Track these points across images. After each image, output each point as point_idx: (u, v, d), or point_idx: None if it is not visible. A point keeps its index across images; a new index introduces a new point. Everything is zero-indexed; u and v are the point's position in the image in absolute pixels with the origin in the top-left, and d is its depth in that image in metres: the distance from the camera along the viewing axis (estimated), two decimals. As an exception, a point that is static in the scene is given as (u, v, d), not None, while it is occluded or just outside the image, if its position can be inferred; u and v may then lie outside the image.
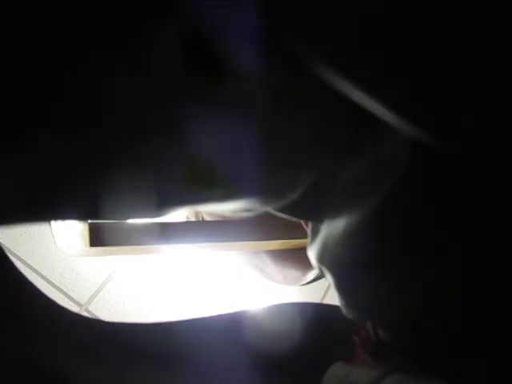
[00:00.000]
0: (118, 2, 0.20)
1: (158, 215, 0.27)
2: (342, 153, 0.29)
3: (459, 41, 0.17)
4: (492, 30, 0.16)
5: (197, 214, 0.83)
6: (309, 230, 0.37)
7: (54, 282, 0.92)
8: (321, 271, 0.36)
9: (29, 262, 0.92)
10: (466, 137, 0.20)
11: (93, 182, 0.24)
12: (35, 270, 0.92)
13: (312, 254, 0.37)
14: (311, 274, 0.79)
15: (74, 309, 0.92)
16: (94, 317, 0.91)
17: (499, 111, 0.18)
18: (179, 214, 0.80)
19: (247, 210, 0.30)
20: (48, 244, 0.92)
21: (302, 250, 0.40)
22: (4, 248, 0.34)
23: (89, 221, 0.65)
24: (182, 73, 0.22)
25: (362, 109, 0.20)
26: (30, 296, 0.34)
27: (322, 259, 0.35)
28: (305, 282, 0.82)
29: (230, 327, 0.39)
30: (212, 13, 0.21)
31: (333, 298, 0.37)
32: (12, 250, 0.91)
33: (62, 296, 0.92)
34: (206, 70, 0.22)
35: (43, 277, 0.92)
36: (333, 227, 0.33)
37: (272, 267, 0.86)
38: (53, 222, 0.67)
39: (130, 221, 0.67)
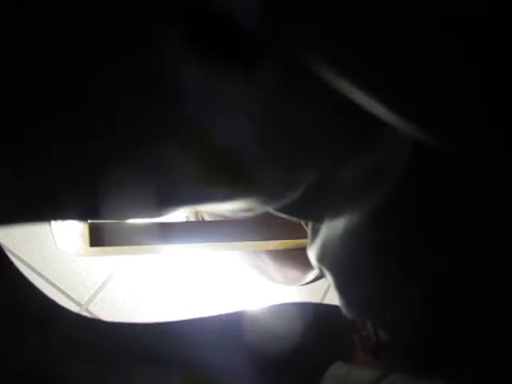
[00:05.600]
0: (120, 3, 0.20)
1: (158, 215, 0.27)
2: (342, 153, 0.29)
3: (459, 42, 0.17)
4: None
5: (197, 213, 0.83)
6: (309, 230, 0.37)
7: (54, 282, 0.92)
8: (321, 271, 0.36)
9: (29, 262, 0.92)
10: (466, 137, 0.20)
11: (93, 182, 0.24)
12: (35, 270, 0.92)
13: (312, 254, 0.37)
14: (311, 274, 0.79)
15: (74, 309, 0.92)
16: (94, 317, 0.91)
17: (500, 111, 0.18)
18: (179, 214, 0.80)
19: (247, 210, 0.30)
20: (48, 244, 0.92)
21: (302, 250, 0.40)
22: (4, 248, 0.34)
23: (89, 221, 0.65)
24: (182, 74, 0.22)
25: (362, 109, 0.20)
26: (30, 296, 0.34)
27: (322, 259, 0.35)
28: (305, 282, 0.82)
29: (229, 327, 0.39)
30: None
31: (333, 298, 0.37)
32: (12, 250, 0.91)
33: (62, 296, 0.92)
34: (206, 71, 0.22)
35: (43, 277, 0.92)
36: (333, 227, 0.33)
37: (272, 267, 0.86)
38: (53, 222, 0.67)
39: (130, 221, 0.67)
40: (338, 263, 0.34)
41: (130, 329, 0.37)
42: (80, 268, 0.94)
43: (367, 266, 0.32)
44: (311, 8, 0.18)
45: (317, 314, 0.42)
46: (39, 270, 0.92)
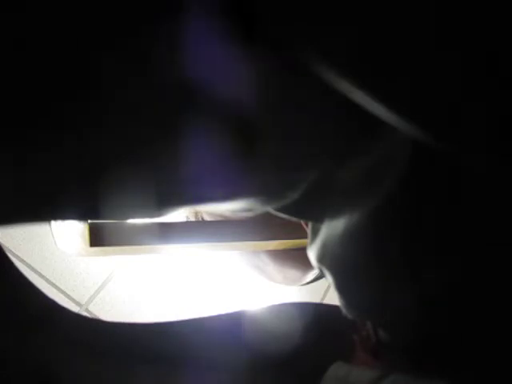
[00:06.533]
0: (121, 4, 0.20)
1: (158, 215, 0.27)
2: (342, 153, 0.29)
3: (458, 42, 0.17)
4: (491, 31, 0.16)
5: (197, 213, 0.83)
6: (309, 230, 0.37)
7: (54, 281, 0.92)
8: (321, 271, 0.36)
9: (29, 262, 0.92)
10: (466, 137, 0.20)
11: (93, 182, 0.24)
12: (35, 270, 0.92)
13: (312, 254, 0.37)
14: (311, 274, 0.79)
15: (74, 309, 0.92)
16: (94, 317, 0.91)
17: (500, 111, 0.18)
18: (179, 214, 0.80)
19: (247, 210, 0.30)
20: (48, 244, 0.92)
21: (302, 250, 0.40)
22: (4, 248, 0.34)
23: (89, 221, 0.65)
24: (182, 73, 0.22)
25: (362, 109, 0.20)
26: (30, 296, 0.34)
27: (322, 259, 0.35)
28: (305, 282, 0.82)
29: (230, 327, 0.39)
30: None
31: (333, 298, 0.37)
32: (12, 250, 0.91)
33: (62, 296, 0.92)
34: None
35: (43, 277, 0.92)
36: (333, 227, 0.33)
37: (272, 267, 0.86)
38: (53, 222, 0.67)
39: (130, 221, 0.67)
40: (338, 263, 0.34)
41: (130, 329, 0.37)
42: (80, 268, 0.94)
43: (367, 266, 0.32)
44: (311, 8, 0.18)
45: (317, 313, 0.42)
46: (39, 270, 0.92)
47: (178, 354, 0.36)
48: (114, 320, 0.37)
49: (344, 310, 0.35)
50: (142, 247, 0.70)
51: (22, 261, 0.92)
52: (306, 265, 0.79)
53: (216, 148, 0.25)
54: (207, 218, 0.82)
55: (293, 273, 0.83)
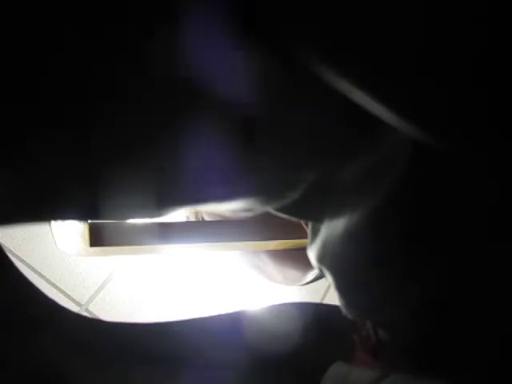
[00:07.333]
0: (120, 4, 0.20)
1: (158, 215, 0.27)
2: (342, 153, 0.29)
3: (460, 43, 0.17)
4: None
5: (197, 213, 0.83)
6: (309, 230, 0.37)
7: (54, 282, 0.92)
8: (321, 271, 0.36)
9: (29, 262, 0.92)
10: (465, 137, 0.20)
11: (92, 181, 0.24)
12: (35, 270, 0.92)
13: (312, 254, 0.37)
14: (311, 274, 0.79)
15: (74, 309, 0.92)
16: (94, 317, 0.91)
17: (499, 111, 0.18)
18: (179, 214, 0.80)
19: (247, 210, 0.30)
20: (48, 244, 0.92)
21: (302, 250, 0.40)
22: (4, 248, 0.34)
23: (89, 221, 0.65)
24: (182, 73, 0.22)
25: (362, 108, 0.20)
26: (30, 296, 0.34)
27: (322, 259, 0.35)
28: (305, 282, 0.82)
29: (230, 327, 0.39)
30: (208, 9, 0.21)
31: (333, 298, 0.37)
32: (12, 250, 0.91)
33: (62, 296, 0.92)
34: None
35: (43, 277, 0.92)
36: (333, 227, 0.33)
37: (272, 267, 0.86)
38: (53, 222, 0.67)
39: (130, 221, 0.67)
40: (338, 263, 0.34)
41: (131, 329, 0.37)
42: (80, 268, 0.94)
43: (367, 266, 0.32)
44: (311, 8, 0.18)
45: (317, 313, 0.42)
46: (39, 270, 0.92)
47: (178, 353, 0.36)
48: (114, 320, 0.37)
49: (344, 310, 0.35)
50: (142, 247, 0.70)
51: (22, 261, 0.92)
52: (306, 265, 0.79)
53: (216, 147, 0.25)
54: (207, 218, 0.82)
55: (293, 273, 0.83)
